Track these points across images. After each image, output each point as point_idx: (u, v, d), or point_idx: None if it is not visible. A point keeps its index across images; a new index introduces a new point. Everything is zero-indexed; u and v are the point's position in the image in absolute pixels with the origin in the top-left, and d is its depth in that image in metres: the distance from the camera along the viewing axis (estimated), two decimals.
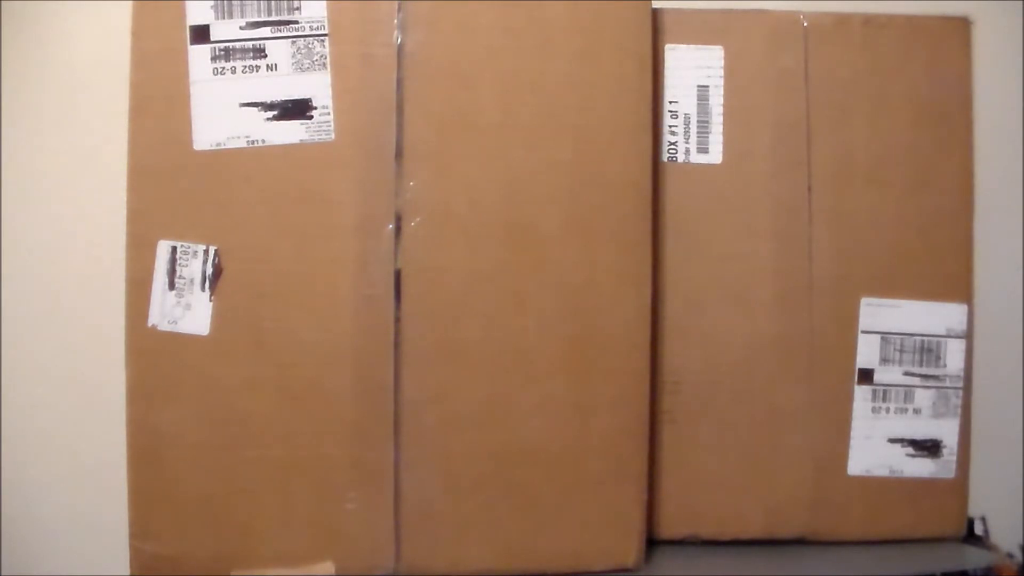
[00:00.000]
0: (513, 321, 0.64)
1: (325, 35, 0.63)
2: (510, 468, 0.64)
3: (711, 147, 0.72)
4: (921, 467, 0.73)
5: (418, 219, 0.63)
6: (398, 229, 0.63)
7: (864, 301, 0.72)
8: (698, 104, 0.73)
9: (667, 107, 0.72)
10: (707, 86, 0.73)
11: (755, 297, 0.72)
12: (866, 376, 0.72)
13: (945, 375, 0.73)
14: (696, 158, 0.72)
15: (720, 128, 0.72)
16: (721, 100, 0.72)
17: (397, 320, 0.63)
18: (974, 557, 0.71)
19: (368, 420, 0.63)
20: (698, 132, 0.72)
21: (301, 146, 0.63)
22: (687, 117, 0.73)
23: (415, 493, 0.63)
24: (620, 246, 0.65)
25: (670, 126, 0.72)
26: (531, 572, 0.64)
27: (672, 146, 0.72)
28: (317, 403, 0.63)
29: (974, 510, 0.78)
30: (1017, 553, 0.80)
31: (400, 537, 0.63)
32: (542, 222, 0.64)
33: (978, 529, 0.81)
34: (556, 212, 0.65)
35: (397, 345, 0.63)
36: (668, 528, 0.71)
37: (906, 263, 0.72)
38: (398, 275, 0.63)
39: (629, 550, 0.66)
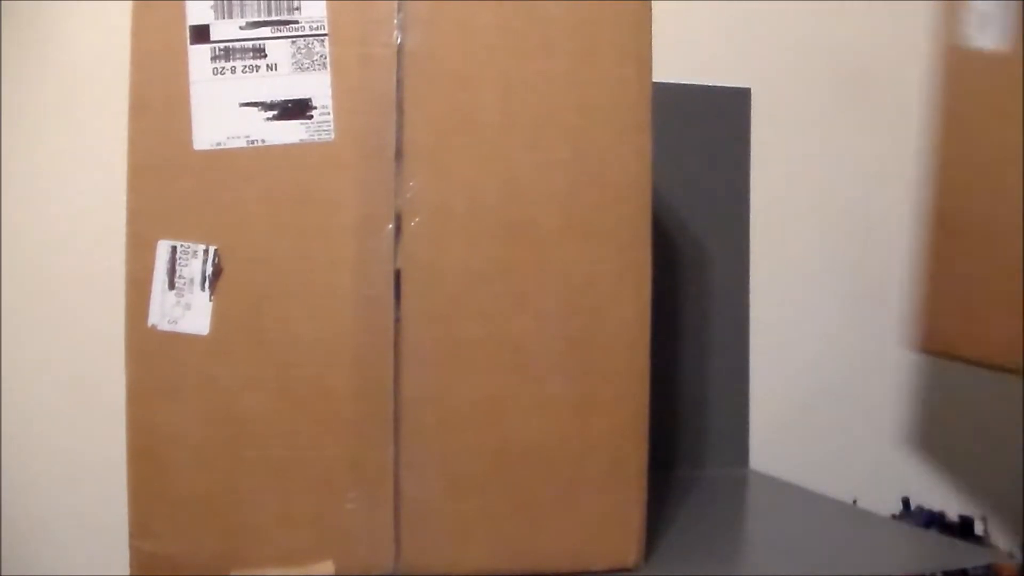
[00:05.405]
0: (513, 320, 0.64)
1: (325, 35, 0.63)
2: (510, 467, 0.64)
3: None
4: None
5: (418, 219, 0.63)
6: (398, 229, 0.63)
7: None
8: None
9: None
10: None
11: None
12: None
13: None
14: None
15: None
16: None
17: (397, 320, 0.63)
18: (974, 556, 0.71)
19: (368, 420, 0.63)
20: None
21: (301, 146, 0.63)
22: None
23: (415, 493, 0.63)
24: (620, 246, 0.65)
25: None
26: (531, 572, 0.64)
27: None
28: (317, 403, 0.63)
29: (974, 510, 0.78)
30: (1017, 553, 0.80)
31: (400, 537, 0.63)
32: (542, 222, 0.64)
33: (978, 529, 0.81)
34: (556, 212, 0.65)
35: (397, 345, 0.63)
36: None
37: None
38: (398, 275, 0.63)
39: (629, 550, 0.66)
